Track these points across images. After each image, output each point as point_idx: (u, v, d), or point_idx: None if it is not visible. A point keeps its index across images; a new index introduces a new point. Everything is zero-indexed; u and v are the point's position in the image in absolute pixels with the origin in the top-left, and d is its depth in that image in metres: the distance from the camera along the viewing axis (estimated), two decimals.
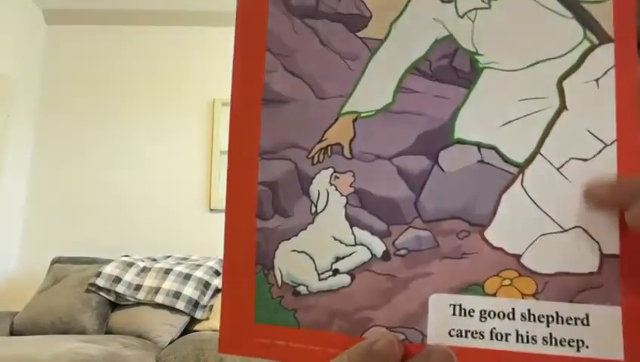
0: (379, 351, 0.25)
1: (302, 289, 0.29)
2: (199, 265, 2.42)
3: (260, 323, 0.30)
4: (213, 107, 3.00)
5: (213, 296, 2.35)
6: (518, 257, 0.26)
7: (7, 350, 1.76)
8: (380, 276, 0.28)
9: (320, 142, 0.30)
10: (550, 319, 0.25)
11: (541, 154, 0.26)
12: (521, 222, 0.26)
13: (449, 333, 0.26)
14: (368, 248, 0.28)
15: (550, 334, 0.25)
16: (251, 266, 0.30)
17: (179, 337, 2.18)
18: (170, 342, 2.14)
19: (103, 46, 3.10)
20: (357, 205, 0.29)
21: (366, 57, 0.30)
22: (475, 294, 0.26)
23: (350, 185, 0.29)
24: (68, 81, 3.06)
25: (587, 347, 0.25)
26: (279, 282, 0.30)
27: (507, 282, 0.26)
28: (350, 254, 0.29)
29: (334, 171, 0.29)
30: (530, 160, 0.27)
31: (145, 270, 2.41)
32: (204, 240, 2.65)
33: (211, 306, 2.33)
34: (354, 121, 0.29)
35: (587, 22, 0.27)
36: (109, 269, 2.37)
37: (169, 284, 2.29)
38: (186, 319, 2.26)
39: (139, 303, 2.30)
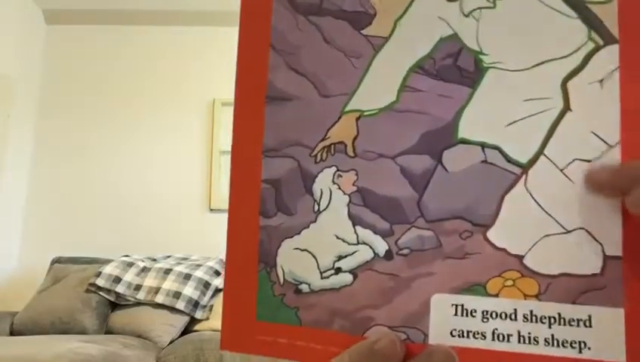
0: (380, 351, 0.25)
1: (304, 287, 0.29)
2: (199, 265, 2.42)
3: (261, 320, 0.30)
4: (213, 107, 3.00)
5: (213, 296, 2.35)
6: (520, 258, 0.26)
7: (7, 350, 1.76)
8: (382, 275, 0.28)
9: (323, 140, 0.30)
10: (552, 320, 0.25)
11: (545, 155, 0.26)
12: (524, 222, 0.26)
13: (451, 333, 0.26)
14: (371, 247, 0.28)
15: (552, 335, 0.25)
16: (254, 264, 0.30)
17: (179, 337, 2.18)
18: (170, 342, 2.13)
19: (103, 46, 3.10)
20: (360, 204, 0.29)
21: (370, 55, 0.30)
22: (478, 294, 0.26)
23: (353, 184, 0.29)
24: (68, 81, 3.06)
25: (589, 348, 0.25)
26: (281, 280, 0.30)
27: (510, 283, 0.26)
28: (352, 253, 0.29)
29: (337, 170, 0.29)
30: (533, 160, 0.26)
31: (145, 270, 2.41)
32: (204, 240, 2.65)
33: (211, 306, 2.33)
34: (357, 119, 0.29)
35: (592, 22, 0.27)
36: (109, 269, 2.37)
37: (169, 284, 2.29)
38: (186, 319, 2.26)
39: (139, 303, 2.30)
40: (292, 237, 0.30)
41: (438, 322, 0.27)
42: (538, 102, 0.27)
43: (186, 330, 2.25)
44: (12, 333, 2.24)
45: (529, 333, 0.25)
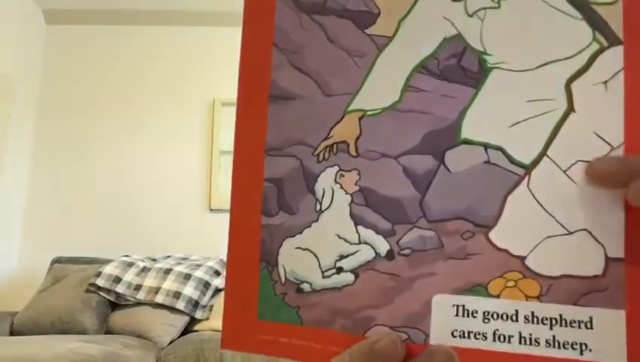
0: (381, 351, 0.25)
1: (305, 286, 0.29)
2: (199, 265, 2.42)
3: (263, 319, 0.30)
4: (213, 107, 3.00)
5: (213, 296, 2.34)
6: (522, 259, 0.26)
7: (7, 350, 1.76)
8: (383, 275, 0.28)
9: (326, 139, 0.30)
10: (554, 321, 0.25)
11: (548, 156, 0.26)
12: (526, 223, 0.26)
13: (452, 334, 0.26)
14: (372, 247, 0.28)
15: (553, 337, 0.25)
16: (255, 262, 0.30)
17: (179, 337, 2.18)
18: (170, 342, 2.13)
19: (103, 46, 3.10)
20: (362, 203, 0.29)
21: (374, 55, 0.29)
22: (479, 295, 0.26)
23: (355, 184, 0.29)
24: (68, 81, 3.06)
25: (590, 350, 0.25)
26: (283, 279, 0.30)
27: (511, 284, 0.26)
28: (354, 253, 0.29)
29: (340, 169, 0.29)
30: (536, 161, 0.26)
31: (145, 270, 2.41)
32: (204, 240, 2.65)
33: (211, 306, 2.32)
34: (360, 118, 0.29)
35: (596, 23, 0.26)
36: (109, 269, 2.37)
37: (169, 284, 2.29)
38: (186, 319, 2.26)
39: (139, 303, 2.30)
40: (294, 236, 0.30)
41: (439, 322, 0.26)
42: (542, 103, 0.27)
43: (186, 330, 2.25)
44: (12, 333, 2.24)
45: (530, 334, 0.25)
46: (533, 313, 0.26)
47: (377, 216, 0.28)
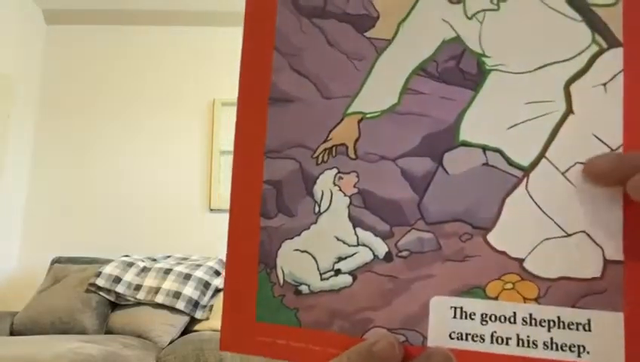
0: (379, 353, 0.25)
1: (304, 288, 0.29)
2: (199, 265, 2.42)
3: (261, 321, 0.30)
4: (213, 107, 3.00)
5: (213, 296, 2.35)
6: (520, 261, 0.26)
7: (7, 350, 1.76)
8: (381, 277, 0.28)
9: (325, 142, 0.30)
10: (552, 324, 0.25)
11: (546, 158, 0.26)
12: (524, 225, 0.26)
13: (449, 336, 0.26)
14: (371, 249, 0.28)
15: (551, 339, 0.25)
16: (254, 264, 0.30)
17: (179, 337, 2.18)
18: (170, 342, 2.13)
19: (103, 46, 3.10)
20: (360, 206, 0.29)
21: (373, 57, 0.30)
22: (477, 297, 0.26)
23: (354, 186, 0.29)
24: (68, 81, 3.06)
25: (588, 352, 0.25)
26: (281, 281, 0.30)
27: (509, 286, 0.26)
28: (352, 254, 0.29)
29: (338, 171, 0.29)
30: (535, 163, 0.26)
31: (145, 270, 2.41)
32: (204, 240, 2.65)
33: (211, 306, 2.33)
34: (359, 121, 0.29)
35: (596, 25, 0.26)
36: (109, 269, 2.37)
37: (169, 284, 2.29)
38: (186, 319, 2.26)
39: (139, 303, 2.30)
40: (292, 238, 0.30)
41: (437, 324, 0.27)
42: (540, 105, 0.27)
43: (186, 330, 2.25)
44: (12, 333, 2.24)
45: (528, 336, 0.25)
46: (531, 315, 0.26)
47: (376, 218, 0.28)
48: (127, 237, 2.81)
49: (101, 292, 2.32)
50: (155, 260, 2.54)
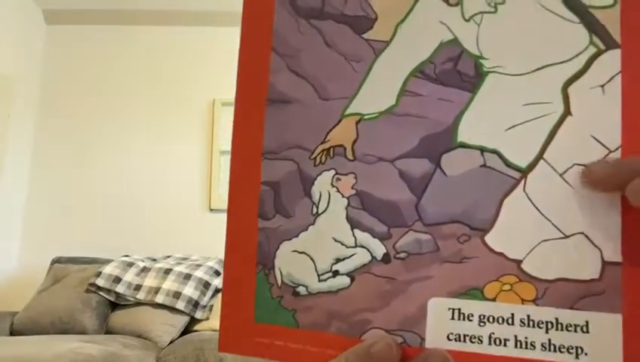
0: (376, 354, 0.25)
1: (301, 289, 0.29)
2: (199, 265, 2.42)
3: (259, 322, 0.30)
4: (213, 107, 3.00)
5: (213, 296, 2.35)
6: (518, 262, 0.26)
7: (7, 350, 1.76)
8: (379, 278, 0.28)
9: (323, 143, 0.30)
10: (549, 325, 0.25)
11: (544, 160, 0.26)
12: (522, 227, 0.26)
13: (447, 337, 0.26)
14: (368, 250, 0.28)
15: (549, 340, 0.25)
16: (252, 265, 0.30)
17: (179, 337, 2.18)
18: (170, 342, 2.14)
19: (103, 46, 3.10)
20: (358, 207, 0.29)
21: (371, 59, 0.30)
22: (475, 299, 0.26)
23: (352, 187, 0.29)
24: (68, 81, 3.06)
25: (586, 354, 0.25)
26: (279, 282, 0.30)
27: (507, 287, 0.26)
28: (350, 256, 0.29)
29: (336, 173, 0.29)
30: (532, 165, 0.26)
31: (145, 270, 2.41)
32: (204, 240, 2.65)
33: (211, 306, 2.33)
34: (357, 122, 0.29)
35: (594, 27, 0.27)
36: (109, 269, 2.37)
37: (169, 284, 2.29)
38: (186, 319, 2.26)
39: (139, 303, 2.30)
40: (290, 239, 0.30)
41: (435, 326, 0.27)
42: (538, 107, 0.27)
43: (186, 330, 2.25)
44: (12, 333, 2.24)
45: (526, 338, 0.25)
46: (529, 316, 0.26)
47: (373, 220, 0.28)
48: (127, 237, 2.81)
49: (101, 292, 2.32)
50: (155, 260, 2.54)
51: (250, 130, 0.31)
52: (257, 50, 0.32)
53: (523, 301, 0.26)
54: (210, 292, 2.34)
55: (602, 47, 0.26)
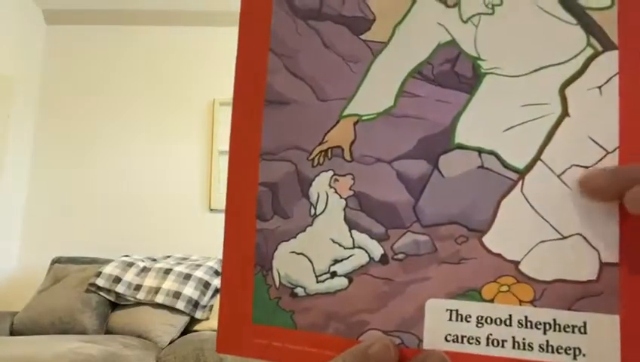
0: (374, 355, 0.25)
1: (299, 290, 0.29)
2: (199, 265, 2.42)
3: (257, 323, 0.30)
4: (213, 107, 3.00)
5: (213, 296, 2.35)
6: (516, 263, 0.26)
7: (7, 350, 1.76)
8: (377, 279, 0.28)
9: (320, 144, 0.30)
10: (547, 326, 0.25)
11: (542, 161, 0.26)
12: (520, 228, 0.26)
13: (445, 338, 0.26)
14: (366, 251, 0.28)
15: (547, 341, 0.25)
16: (250, 267, 0.30)
17: (179, 337, 2.18)
18: (170, 342, 2.13)
19: (103, 46, 3.10)
20: (356, 208, 0.29)
21: (369, 60, 0.30)
22: (472, 300, 0.26)
23: (350, 188, 0.29)
24: (68, 81, 3.06)
25: (584, 355, 0.25)
26: (277, 283, 0.30)
27: (505, 288, 0.26)
28: (348, 257, 0.29)
29: (334, 174, 0.29)
30: (530, 166, 0.26)
31: (145, 270, 2.41)
32: (204, 240, 2.65)
33: (211, 306, 2.33)
34: (355, 123, 0.29)
35: (591, 28, 0.27)
36: (109, 269, 2.37)
37: (169, 284, 2.29)
38: (186, 319, 2.26)
39: (139, 303, 2.30)
40: (288, 240, 0.30)
41: (433, 327, 0.27)
42: (536, 108, 0.27)
43: (186, 330, 2.25)
44: (12, 333, 2.24)
45: (524, 339, 0.25)
46: (526, 318, 0.26)
47: (371, 221, 0.28)
48: (127, 237, 2.81)
49: (101, 292, 2.32)
50: (155, 260, 2.54)
51: (248, 131, 0.32)
52: (255, 51, 0.32)
53: (521, 302, 0.26)
54: (210, 292, 2.34)
55: (600, 48, 0.26)
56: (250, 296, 0.30)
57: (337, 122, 0.30)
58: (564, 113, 0.26)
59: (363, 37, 0.30)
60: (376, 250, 0.28)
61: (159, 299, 2.25)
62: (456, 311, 0.26)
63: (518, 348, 0.25)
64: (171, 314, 2.24)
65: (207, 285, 2.34)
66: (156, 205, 2.90)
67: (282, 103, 0.31)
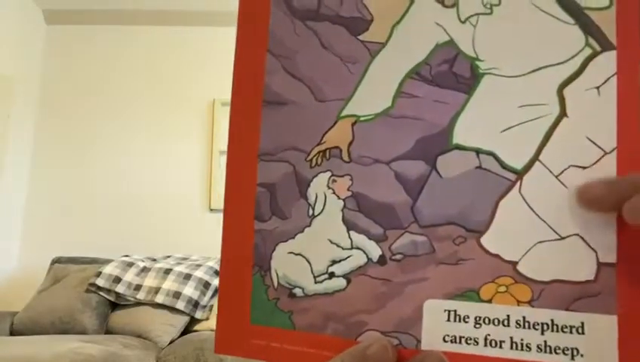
0: (372, 356, 0.25)
1: (298, 291, 0.29)
2: (199, 265, 2.42)
3: (255, 324, 0.30)
4: (213, 107, 3.00)
5: (213, 296, 2.34)
6: (514, 264, 0.26)
7: (7, 350, 1.76)
8: (375, 280, 0.28)
9: (319, 145, 0.30)
10: (545, 327, 0.25)
11: (540, 161, 0.26)
12: (518, 228, 0.26)
13: (443, 339, 0.26)
14: (364, 252, 0.28)
15: (545, 342, 0.25)
16: (248, 267, 0.30)
17: (179, 337, 2.18)
18: (170, 342, 2.13)
19: (103, 46, 3.10)
20: (354, 209, 0.29)
21: (367, 61, 0.30)
22: (470, 300, 0.26)
23: (348, 189, 0.29)
24: (68, 81, 3.06)
25: (582, 355, 0.25)
26: (275, 284, 0.30)
27: (503, 289, 0.26)
28: (346, 258, 0.29)
29: (332, 174, 0.29)
30: (528, 167, 0.26)
31: (145, 270, 2.41)
32: (204, 240, 2.63)
33: (211, 306, 2.33)
34: (353, 124, 0.29)
35: (589, 29, 0.27)
36: (109, 269, 2.37)
37: (169, 284, 2.29)
38: (186, 319, 2.26)
39: (139, 303, 2.30)
40: (286, 241, 0.30)
41: (431, 327, 0.27)
42: (534, 108, 0.27)
43: (186, 330, 2.25)
44: (12, 333, 2.24)
45: (521, 339, 0.25)
46: (524, 318, 0.26)
47: (369, 221, 0.28)
48: (127, 237, 2.81)
49: (101, 292, 2.32)
50: (155, 260, 2.54)
51: (246, 131, 0.31)
52: (253, 52, 0.32)
53: (519, 302, 0.26)
54: (210, 292, 2.34)
55: (598, 48, 0.26)
56: (249, 297, 0.30)
57: (335, 123, 0.30)
58: (562, 113, 0.26)
59: (361, 37, 0.30)
60: (374, 251, 0.28)
61: (159, 299, 2.25)
62: (455, 311, 0.26)
63: (516, 348, 0.25)
64: (171, 314, 2.24)
65: (207, 285, 2.34)
66: (156, 205, 2.90)
67: (280, 104, 0.31)
